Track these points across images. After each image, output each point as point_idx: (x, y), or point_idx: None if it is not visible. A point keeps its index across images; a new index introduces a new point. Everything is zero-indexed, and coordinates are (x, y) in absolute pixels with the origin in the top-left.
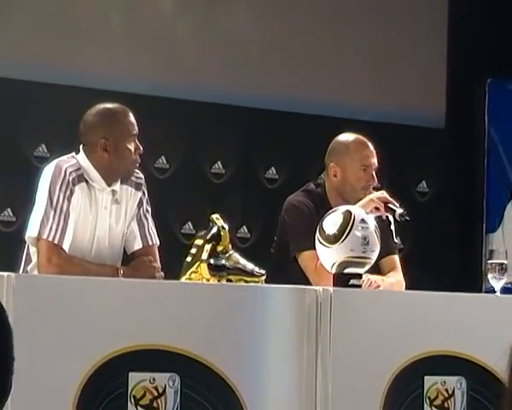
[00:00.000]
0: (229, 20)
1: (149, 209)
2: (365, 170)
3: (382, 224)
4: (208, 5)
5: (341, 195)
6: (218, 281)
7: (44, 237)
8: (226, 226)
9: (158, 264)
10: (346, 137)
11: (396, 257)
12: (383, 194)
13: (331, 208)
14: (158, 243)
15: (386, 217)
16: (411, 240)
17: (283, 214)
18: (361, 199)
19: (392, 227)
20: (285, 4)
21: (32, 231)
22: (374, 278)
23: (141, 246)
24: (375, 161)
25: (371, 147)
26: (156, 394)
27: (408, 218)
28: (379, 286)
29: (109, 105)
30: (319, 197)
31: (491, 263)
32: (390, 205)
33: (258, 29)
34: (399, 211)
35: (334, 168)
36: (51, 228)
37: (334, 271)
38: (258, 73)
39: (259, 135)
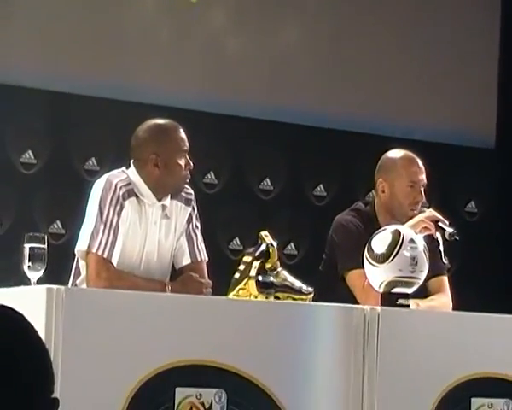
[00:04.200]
0: (279, 36)
1: (198, 225)
2: (413, 186)
3: (431, 244)
4: (257, 22)
5: (389, 211)
6: (266, 298)
7: (94, 250)
8: (275, 244)
9: (206, 280)
10: (395, 153)
11: (444, 278)
12: (431, 212)
13: (380, 227)
14: (206, 259)
15: (436, 238)
16: (459, 260)
17: (332, 234)
18: (408, 215)
19: (441, 248)
20: (335, 23)
21: (81, 245)
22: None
23: (189, 261)
24: (423, 177)
25: (420, 163)
26: (202, 409)
27: (458, 237)
28: None
29: (160, 121)
30: (368, 216)
31: None
32: (440, 224)
33: (307, 46)
34: (449, 230)
35: (382, 184)
36: (101, 242)
37: (381, 290)
38: (308, 90)
39: (308, 152)
